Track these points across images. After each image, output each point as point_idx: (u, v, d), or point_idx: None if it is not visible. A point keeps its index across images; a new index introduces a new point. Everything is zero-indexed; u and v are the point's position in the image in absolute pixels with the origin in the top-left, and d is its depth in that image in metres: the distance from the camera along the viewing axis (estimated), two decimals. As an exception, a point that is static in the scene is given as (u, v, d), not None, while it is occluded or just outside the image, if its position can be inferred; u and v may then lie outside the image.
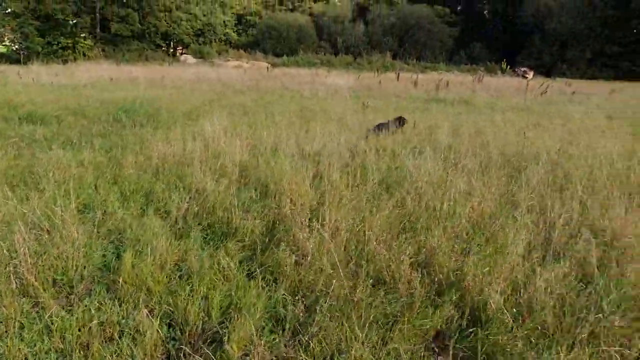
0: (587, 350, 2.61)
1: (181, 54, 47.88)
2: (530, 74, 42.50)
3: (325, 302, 3.08)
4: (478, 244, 3.90)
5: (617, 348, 2.66)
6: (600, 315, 2.90)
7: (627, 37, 47.47)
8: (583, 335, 2.82)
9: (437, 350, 2.28)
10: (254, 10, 54.13)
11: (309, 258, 3.54)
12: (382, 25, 53.03)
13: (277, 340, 2.89)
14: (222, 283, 3.37)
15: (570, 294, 3.23)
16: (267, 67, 32.49)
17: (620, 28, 47.47)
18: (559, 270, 3.49)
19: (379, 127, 8.86)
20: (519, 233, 4.03)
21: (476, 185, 5.40)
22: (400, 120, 9.35)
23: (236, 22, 53.87)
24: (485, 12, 59.68)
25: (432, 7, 55.59)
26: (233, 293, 3.22)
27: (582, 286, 3.38)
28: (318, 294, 3.26)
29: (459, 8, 60.58)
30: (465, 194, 5.06)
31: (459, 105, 15.92)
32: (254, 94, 16.84)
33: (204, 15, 48.20)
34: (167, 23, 45.98)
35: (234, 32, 53.10)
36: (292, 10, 55.57)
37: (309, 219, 4.19)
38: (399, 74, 24.80)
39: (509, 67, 46.79)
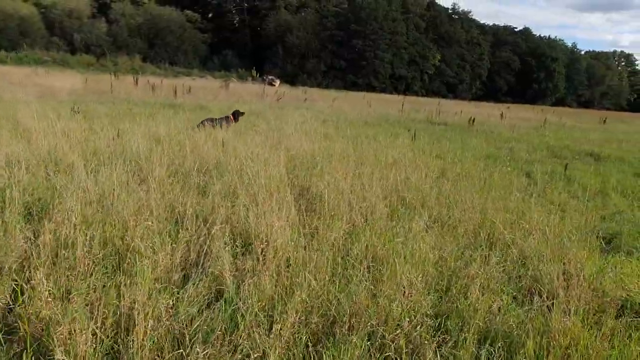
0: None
1: None
2: (277, 82, 46.04)
3: None
4: (105, 272, 3.31)
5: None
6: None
7: (351, 54, 56.39)
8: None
9: None
10: (-48, -9, 43.10)
11: None
12: (128, 25, 49.32)
13: None
14: None
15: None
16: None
17: (344, 46, 56.00)
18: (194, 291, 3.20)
19: (209, 120, 10.50)
20: (165, 249, 3.65)
21: (153, 197, 4.90)
22: (238, 114, 11.51)
23: None
24: (235, 21, 62.01)
25: (182, 11, 54.62)
26: None
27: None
28: None
29: (210, 15, 61.28)
30: (134, 207, 4.46)
31: (193, 111, 15.55)
32: None
33: None
34: None
35: None
36: (10, -2, 46.39)
37: None
38: (137, 78, 23.14)
39: (258, 74, 49.77)
